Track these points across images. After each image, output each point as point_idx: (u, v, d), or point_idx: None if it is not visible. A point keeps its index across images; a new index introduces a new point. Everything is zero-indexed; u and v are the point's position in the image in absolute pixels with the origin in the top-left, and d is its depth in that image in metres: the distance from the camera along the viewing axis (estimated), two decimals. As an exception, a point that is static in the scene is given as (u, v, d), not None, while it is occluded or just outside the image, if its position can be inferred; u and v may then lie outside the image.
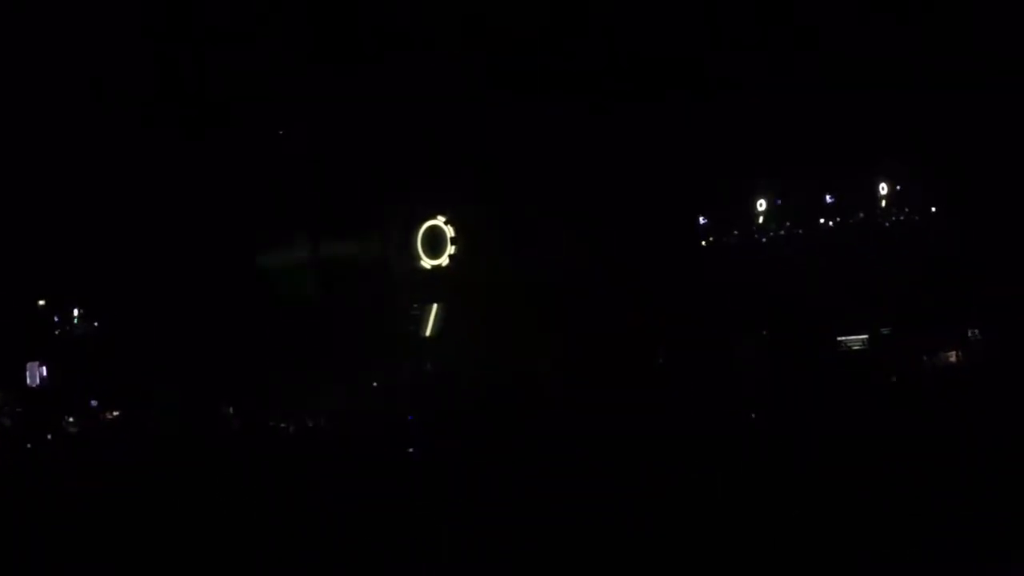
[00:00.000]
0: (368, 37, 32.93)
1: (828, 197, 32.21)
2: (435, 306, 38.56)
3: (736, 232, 33.59)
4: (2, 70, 32.98)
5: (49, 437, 34.38)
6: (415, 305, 39.05)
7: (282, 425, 33.02)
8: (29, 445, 32.19)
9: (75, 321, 42.89)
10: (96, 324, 43.17)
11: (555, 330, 31.67)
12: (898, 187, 31.41)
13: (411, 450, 23.52)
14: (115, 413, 39.19)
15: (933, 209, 30.78)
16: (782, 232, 32.96)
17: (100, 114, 35.56)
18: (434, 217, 38.77)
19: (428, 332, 38.52)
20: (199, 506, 17.47)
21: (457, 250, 38.03)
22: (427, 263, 38.96)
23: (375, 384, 37.24)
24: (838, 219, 32.06)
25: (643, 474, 17.07)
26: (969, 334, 29.70)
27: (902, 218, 31.30)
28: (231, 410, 36.74)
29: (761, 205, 33.29)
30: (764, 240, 33.29)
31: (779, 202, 33.03)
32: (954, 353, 29.39)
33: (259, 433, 32.33)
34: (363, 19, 32.90)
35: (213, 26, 33.81)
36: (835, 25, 28.24)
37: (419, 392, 35.65)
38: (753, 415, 22.76)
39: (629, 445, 19.32)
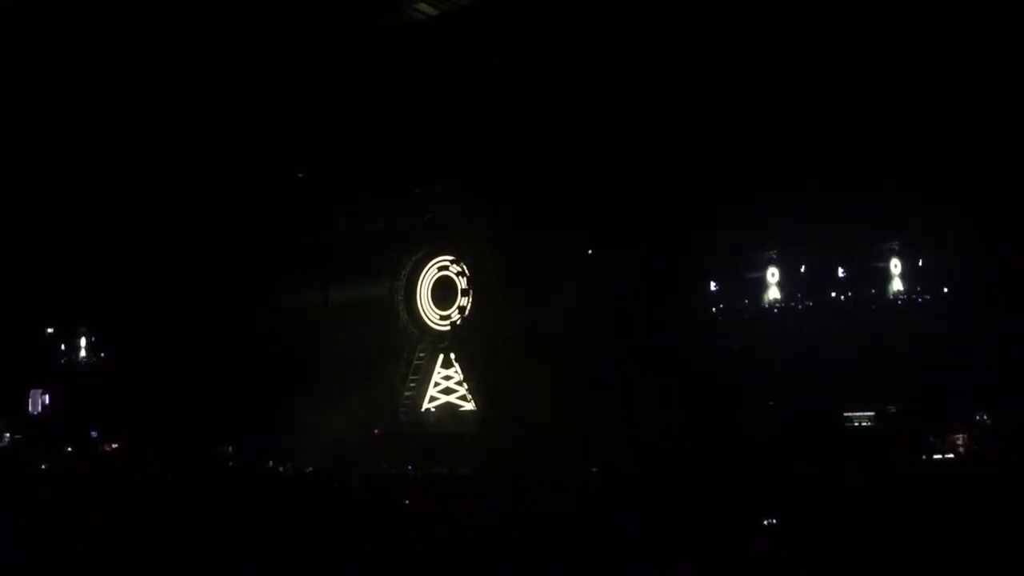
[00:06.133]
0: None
1: (841, 271, 32.16)
2: (439, 359, 38.59)
3: (747, 301, 33.54)
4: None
5: (45, 466, 34.21)
6: (420, 355, 39.02)
7: (280, 469, 32.85)
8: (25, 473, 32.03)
9: (81, 350, 42.89)
10: (102, 354, 43.18)
11: (558, 390, 31.43)
12: (911, 265, 31.36)
13: (407, 501, 23.36)
14: (114, 445, 39.06)
15: (945, 289, 30.67)
16: (792, 303, 32.90)
17: (122, 148, 35.90)
18: (446, 268, 38.89)
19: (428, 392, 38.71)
20: (188, 543, 17.31)
21: (468, 302, 38.03)
22: (436, 313, 38.95)
23: (376, 432, 37.12)
24: (849, 294, 31.98)
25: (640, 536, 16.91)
26: (977, 417, 29.41)
27: (914, 296, 31.22)
28: (230, 449, 36.60)
29: (773, 275, 33.26)
30: (775, 310, 33.20)
31: (791, 273, 33.00)
32: (961, 436, 29.05)
33: (256, 474, 32.15)
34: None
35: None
36: (857, 97, 28.37)
37: (419, 443, 35.47)
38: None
39: (628, 511, 19.13)
